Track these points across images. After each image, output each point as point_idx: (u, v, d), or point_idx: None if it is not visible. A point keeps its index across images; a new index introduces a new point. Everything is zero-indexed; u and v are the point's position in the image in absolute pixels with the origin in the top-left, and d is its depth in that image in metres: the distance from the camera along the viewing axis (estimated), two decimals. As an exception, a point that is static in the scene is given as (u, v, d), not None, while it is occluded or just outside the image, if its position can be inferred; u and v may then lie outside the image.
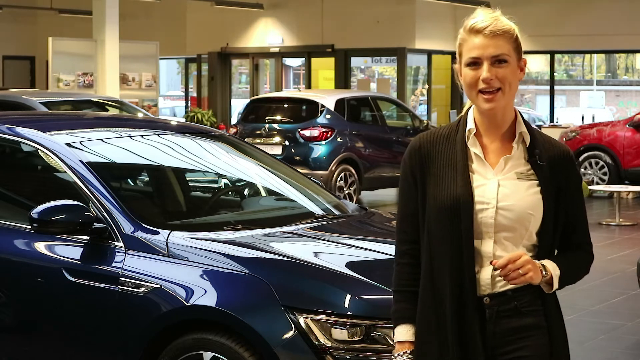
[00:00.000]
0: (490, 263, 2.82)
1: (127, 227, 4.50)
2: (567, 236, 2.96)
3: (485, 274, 2.86)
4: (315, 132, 14.60)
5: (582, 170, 16.72)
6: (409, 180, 2.95)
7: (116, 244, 4.48)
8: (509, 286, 2.85)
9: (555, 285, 2.88)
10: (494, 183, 2.87)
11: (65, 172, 4.82)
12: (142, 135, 5.51)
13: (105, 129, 5.70)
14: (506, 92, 2.85)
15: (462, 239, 2.84)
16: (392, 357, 2.96)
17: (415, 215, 2.95)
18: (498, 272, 2.81)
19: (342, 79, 23.17)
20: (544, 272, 2.84)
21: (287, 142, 14.76)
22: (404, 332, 2.95)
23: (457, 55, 2.92)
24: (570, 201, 2.94)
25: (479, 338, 2.84)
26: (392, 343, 3.99)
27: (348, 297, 4.11)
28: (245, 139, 13.23)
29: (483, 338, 2.85)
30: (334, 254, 4.77)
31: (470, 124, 2.92)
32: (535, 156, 2.90)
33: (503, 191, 2.86)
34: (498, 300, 2.86)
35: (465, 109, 2.99)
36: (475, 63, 2.84)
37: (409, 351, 2.93)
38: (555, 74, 23.21)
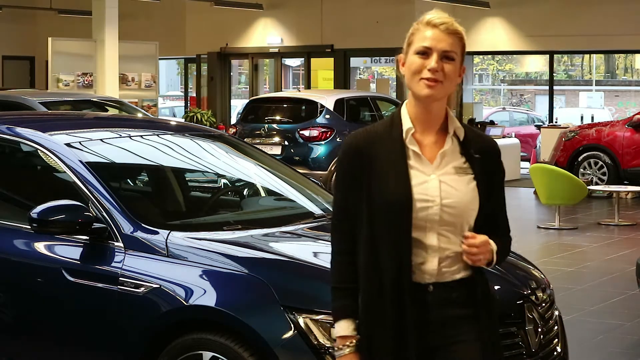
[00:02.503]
0: (464, 236, 3.00)
1: (127, 227, 4.50)
2: (494, 225, 3.13)
3: (431, 265, 3.02)
4: (314, 132, 14.60)
5: (582, 170, 16.73)
6: (345, 180, 3.08)
7: (116, 244, 4.48)
8: (454, 277, 3.04)
9: (495, 260, 3.08)
10: (435, 180, 3.02)
11: (64, 172, 4.82)
12: (141, 136, 5.51)
13: (105, 129, 5.70)
14: (446, 86, 3.01)
15: (400, 235, 2.98)
16: (335, 350, 3.08)
17: (350, 213, 3.06)
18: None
19: (342, 79, 23.17)
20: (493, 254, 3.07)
21: (286, 142, 14.76)
22: (345, 327, 3.07)
23: (405, 45, 3.09)
24: (497, 192, 3.14)
25: (414, 326, 2.98)
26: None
27: (347, 297, 4.10)
28: (245, 139, 13.22)
29: (420, 325, 2.99)
30: (334, 254, 4.76)
31: (408, 123, 3.05)
32: (470, 149, 3.07)
33: (445, 188, 3.03)
34: (441, 289, 3.02)
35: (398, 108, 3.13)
36: (425, 52, 3.02)
37: (348, 342, 3.05)
38: (554, 74, 23.21)
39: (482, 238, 3.02)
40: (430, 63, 2.99)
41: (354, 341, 3.05)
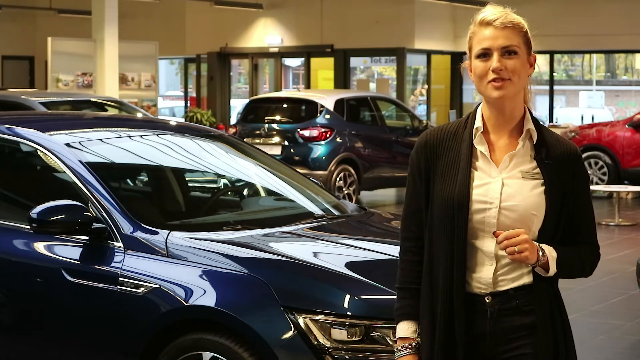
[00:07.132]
0: (493, 233, 2.82)
1: (127, 227, 4.50)
2: (571, 235, 2.95)
3: (487, 273, 2.87)
4: (314, 132, 14.60)
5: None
6: (415, 177, 2.97)
7: (115, 244, 4.48)
8: (510, 285, 2.87)
9: (552, 268, 2.87)
10: (498, 182, 2.88)
11: (64, 172, 4.82)
12: (141, 136, 5.51)
13: (105, 129, 5.70)
14: (515, 83, 2.86)
15: (454, 238, 2.86)
16: (395, 350, 2.98)
17: (419, 212, 2.96)
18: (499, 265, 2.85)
19: (342, 79, 23.17)
20: (540, 254, 2.84)
21: (286, 142, 14.76)
22: (405, 329, 2.96)
23: (467, 50, 2.93)
24: (576, 200, 2.93)
25: (463, 337, 2.85)
26: (391, 343, 4.00)
27: (347, 297, 4.10)
28: (245, 139, 13.22)
29: (473, 338, 2.86)
30: (333, 254, 4.76)
31: (478, 122, 2.92)
32: (541, 154, 2.90)
33: (507, 191, 2.87)
34: (499, 299, 2.87)
35: (475, 107, 3.00)
36: (485, 54, 2.86)
37: (407, 344, 2.95)
38: (554, 74, 23.20)
39: (514, 232, 2.79)
40: (492, 64, 2.84)
41: (413, 343, 2.94)
